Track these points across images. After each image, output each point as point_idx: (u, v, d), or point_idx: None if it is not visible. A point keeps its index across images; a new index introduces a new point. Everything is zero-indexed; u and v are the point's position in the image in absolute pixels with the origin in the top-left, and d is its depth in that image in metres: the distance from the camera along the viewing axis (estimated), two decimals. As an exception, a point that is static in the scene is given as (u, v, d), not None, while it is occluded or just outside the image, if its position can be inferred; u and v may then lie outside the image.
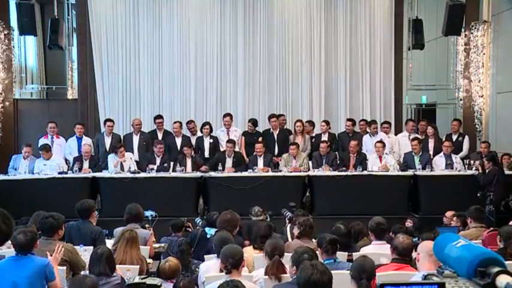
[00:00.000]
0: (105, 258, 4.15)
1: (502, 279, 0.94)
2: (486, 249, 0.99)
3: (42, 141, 9.45)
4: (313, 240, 5.14)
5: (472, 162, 8.78)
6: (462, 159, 9.36)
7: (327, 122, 10.09)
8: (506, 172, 8.67)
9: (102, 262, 4.12)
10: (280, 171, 8.96)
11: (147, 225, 6.31)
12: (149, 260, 5.31)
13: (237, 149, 9.51)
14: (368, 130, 9.99)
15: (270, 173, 8.83)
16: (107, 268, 4.11)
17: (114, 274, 4.16)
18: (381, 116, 10.90)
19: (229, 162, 9.15)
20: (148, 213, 6.65)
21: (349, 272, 3.72)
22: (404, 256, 4.10)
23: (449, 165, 9.03)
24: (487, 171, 8.20)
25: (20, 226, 4.73)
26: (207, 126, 9.65)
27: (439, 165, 9.06)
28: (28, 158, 8.96)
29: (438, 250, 1.02)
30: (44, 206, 6.29)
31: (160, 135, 9.72)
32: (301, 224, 5.27)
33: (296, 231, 5.33)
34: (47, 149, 8.93)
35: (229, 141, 9.28)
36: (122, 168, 8.86)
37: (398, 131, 10.66)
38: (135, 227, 5.68)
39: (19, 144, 10.12)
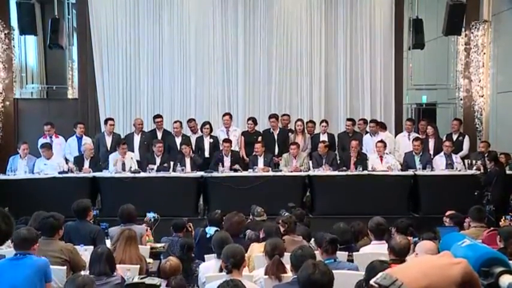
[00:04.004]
0: (105, 257, 4.14)
1: (505, 279, 0.94)
2: (490, 249, 0.99)
3: (41, 141, 9.44)
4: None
5: (473, 162, 8.76)
6: (462, 158, 9.36)
7: (327, 122, 10.11)
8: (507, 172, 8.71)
9: (102, 261, 4.11)
10: (281, 171, 8.96)
11: (144, 225, 6.29)
12: (149, 260, 5.31)
13: (236, 149, 9.53)
14: (367, 130, 10.00)
15: (270, 173, 8.83)
16: (107, 267, 4.10)
17: (115, 274, 4.16)
18: (381, 115, 10.91)
19: (227, 161, 9.15)
20: (151, 214, 6.65)
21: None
22: (401, 256, 4.11)
23: (450, 165, 9.03)
24: (488, 170, 8.19)
25: (20, 226, 4.73)
26: (207, 126, 9.65)
27: (439, 165, 9.06)
28: (26, 157, 8.93)
29: (444, 250, 1.02)
30: (44, 206, 6.30)
31: (159, 135, 9.73)
32: (285, 222, 5.34)
33: (281, 229, 5.36)
34: (48, 147, 8.92)
35: (226, 140, 9.29)
36: (123, 168, 8.87)
37: (398, 131, 10.67)
38: (129, 225, 5.70)
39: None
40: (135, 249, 4.88)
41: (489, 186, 8.02)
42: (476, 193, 8.01)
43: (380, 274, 0.93)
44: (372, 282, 0.93)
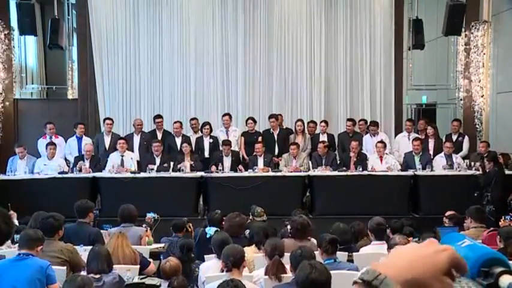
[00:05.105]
0: (103, 255, 4.18)
1: (505, 279, 0.95)
2: (490, 250, 0.99)
3: (41, 142, 9.44)
4: (314, 240, 5.13)
5: (472, 164, 8.75)
6: (462, 159, 9.37)
7: (326, 123, 10.12)
8: (506, 172, 8.72)
9: (101, 259, 4.15)
10: (280, 171, 8.96)
11: (144, 225, 6.30)
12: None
13: (235, 149, 9.54)
14: (367, 130, 10.02)
15: (270, 173, 8.83)
16: (105, 265, 4.13)
17: (112, 272, 4.17)
18: (381, 116, 10.91)
19: (227, 161, 9.16)
20: (151, 214, 6.66)
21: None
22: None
23: (450, 165, 9.03)
24: (487, 170, 8.18)
25: (22, 226, 4.75)
26: (207, 126, 9.66)
27: (439, 166, 9.06)
28: (25, 157, 8.92)
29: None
30: (44, 206, 6.31)
31: (159, 135, 9.74)
32: (290, 225, 5.26)
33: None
34: (54, 145, 8.92)
35: (225, 142, 9.29)
36: (122, 165, 8.87)
37: (398, 131, 10.67)
38: (129, 226, 5.72)
39: (19, 144, 10.09)
40: (128, 243, 4.91)
41: (489, 187, 8.02)
42: (476, 194, 8.01)
43: (363, 269, 0.92)
44: (355, 278, 0.92)
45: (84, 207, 5.67)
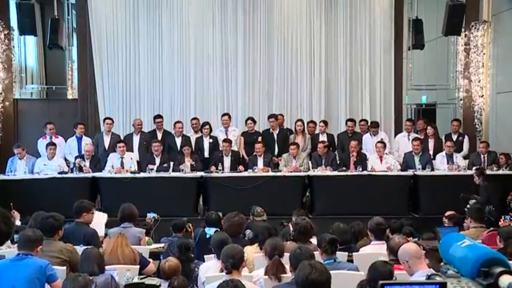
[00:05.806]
0: (93, 257, 4.20)
1: (505, 279, 0.95)
2: (490, 250, 0.99)
3: (41, 142, 9.44)
4: (313, 241, 5.12)
5: (469, 203, 8.13)
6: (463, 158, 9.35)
7: (326, 123, 10.11)
8: (505, 172, 8.74)
9: (91, 261, 4.18)
10: (280, 171, 8.96)
11: (144, 225, 6.31)
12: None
13: (235, 149, 9.54)
14: (368, 130, 10.03)
15: (270, 173, 8.84)
16: (95, 266, 4.15)
17: (104, 273, 4.19)
18: (381, 116, 10.91)
19: (227, 161, 9.16)
20: (151, 214, 6.66)
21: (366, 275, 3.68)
22: (400, 257, 4.11)
23: (451, 165, 9.01)
24: (479, 185, 8.10)
25: (23, 227, 4.75)
26: (207, 127, 9.66)
27: (440, 165, 9.05)
28: (24, 157, 8.92)
29: (443, 250, 1.02)
30: (44, 206, 6.31)
31: (159, 135, 9.74)
32: (293, 228, 5.22)
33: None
34: (54, 146, 8.92)
35: (226, 140, 9.31)
36: (122, 166, 8.87)
37: (398, 131, 10.67)
38: (128, 226, 5.72)
39: (19, 144, 10.08)
40: (127, 244, 4.92)
41: (489, 203, 7.92)
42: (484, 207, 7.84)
43: None
44: None
45: (79, 207, 5.64)
